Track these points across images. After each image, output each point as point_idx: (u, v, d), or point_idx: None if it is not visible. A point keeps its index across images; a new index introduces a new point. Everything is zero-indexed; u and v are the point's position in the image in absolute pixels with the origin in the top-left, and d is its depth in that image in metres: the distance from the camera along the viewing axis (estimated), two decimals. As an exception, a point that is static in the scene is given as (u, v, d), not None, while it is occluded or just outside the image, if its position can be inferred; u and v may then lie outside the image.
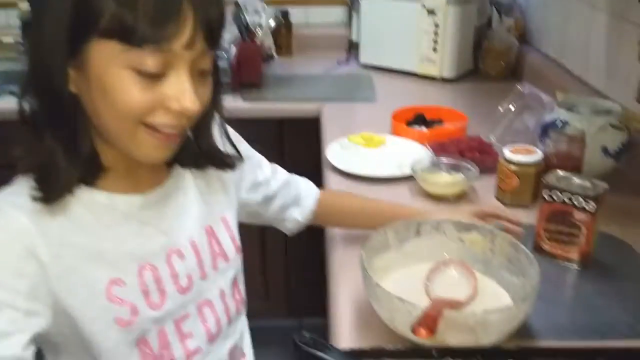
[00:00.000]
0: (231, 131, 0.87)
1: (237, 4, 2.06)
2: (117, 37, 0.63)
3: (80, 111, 0.70)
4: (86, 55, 0.65)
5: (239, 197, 0.94)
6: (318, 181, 1.45)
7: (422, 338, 0.73)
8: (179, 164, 0.82)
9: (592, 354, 0.82)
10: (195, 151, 0.81)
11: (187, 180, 0.84)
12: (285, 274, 2.05)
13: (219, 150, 0.83)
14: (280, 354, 2.20)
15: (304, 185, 1.07)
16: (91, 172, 0.72)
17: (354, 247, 0.92)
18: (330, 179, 1.37)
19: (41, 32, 0.65)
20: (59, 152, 0.68)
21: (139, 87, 0.65)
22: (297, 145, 1.89)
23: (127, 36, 0.62)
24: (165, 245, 0.78)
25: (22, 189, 0.69)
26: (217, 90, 0.76)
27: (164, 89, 0.66)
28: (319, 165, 1.52)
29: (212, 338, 0.82)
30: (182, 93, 0.66)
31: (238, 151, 0.86)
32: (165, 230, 0.78)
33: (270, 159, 1.05)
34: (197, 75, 0.69)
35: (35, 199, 0.68)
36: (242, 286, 0.92)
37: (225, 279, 0.86)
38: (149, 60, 0.64)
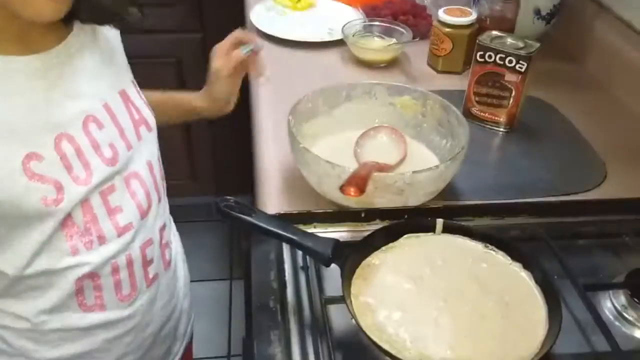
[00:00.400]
0: None
1: None
2: None
3: None
4: None
5: None
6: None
7: (351, 197, 0.72)
8: (78, 19, 0.72)
9: (513, 209, 0.84)
10: (93, 6, 0.70)
11: (90, 39, 0.74)
12: (212, 151, 1.99)
13: (119, 2, 0.72)
14: (209, 229, 2.22)
15: None
16: None
17: (282, 113, 0.87)
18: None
19: None
20: None
21: None
22: (217, 10, 1.75)
23: None
24: (79, 112, 0.70)
25: None
26: None
27: None
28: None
29: (143, 213, 0.76)
30: None
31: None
32: (75, 94, 0.70)
33: (191, 24, 0.96)
34: None
35: None
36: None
37: (151, 149, 0.80)
38: None
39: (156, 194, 0.79)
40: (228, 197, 0.68)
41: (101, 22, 0.73)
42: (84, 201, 0.69)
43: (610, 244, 0.80)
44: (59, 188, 0.66)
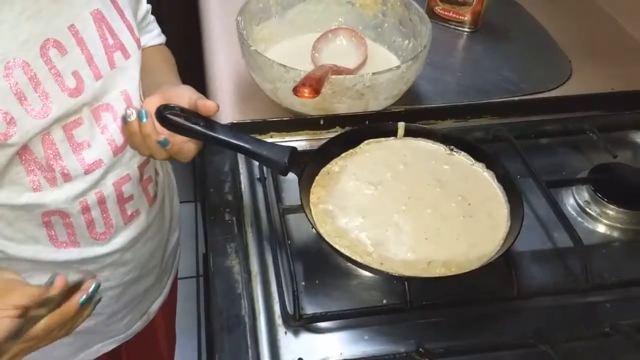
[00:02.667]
0: None
1: None
2: None
3: None
4: None
5: None
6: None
7: (305, 98, 0.67)
8: None
9: (476, 110, 0.81)
10: None
11: None
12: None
13: None
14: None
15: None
16: None
17: (233, 16, 0.80)
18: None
19: None
20: None
21: None
22: None
23: None
24: (36, 35, 0.60)
25: None
26: None
27: None
28: None
29: (116, 149, 0.69)
30: None
31: None
32: (32, 14, 0.60)
33: None
34: None
35: None
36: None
37: (128, 78, 0.70)
38: None
39: None
40: (172, 105, 0.63)
41: None
42: (44, 135, 0.62)
43: (574, 141, 0.78)
44: (9, 121, 0.59)
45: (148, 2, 0.82)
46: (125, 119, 0.65)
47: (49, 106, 0.61)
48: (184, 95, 0.65)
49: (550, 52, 0.98)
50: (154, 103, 0.66)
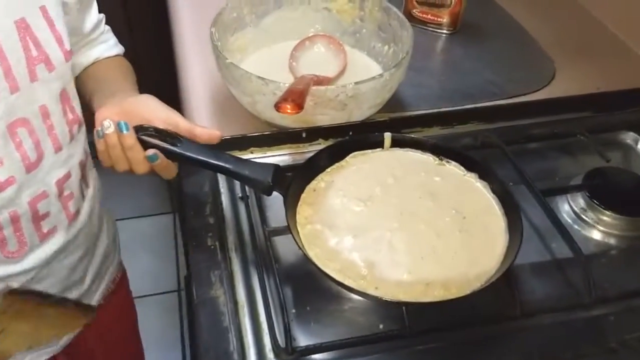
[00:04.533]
0: None
1: None
2: None
3: None
4: None
5: None
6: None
7: (289, 115, 0.64)
8: None
9: (463, 116, 0.79)
10: None
11: None
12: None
13: None
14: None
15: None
16: None
17: (206, 27, 0.76)
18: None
19: None
20: None
21: None
22: None
23: None
24: None
25: None
26: None
27: None
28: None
29: (30, 166, 0.65)
30: None
31: None
32: None
33: None
34: None
35: None
36: (75, 102, 0.72)
37: (49, 92, 0.65)
38: None
39: (52, 143, 0.67)
40: (146, 126, 0.59)
41: None
42: None
43: (564, 144, 0.76)
44: None
45: (101, 12, 0.77)
46: (99, 132, 0.60)
47: None
48: (155, 110, 0.61)
49: (532, 52, 0.96)
50: (108, 114, 0.63)
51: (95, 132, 0.63)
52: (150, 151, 0.59)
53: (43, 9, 0.64)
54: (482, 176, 0.64)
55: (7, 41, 0.60)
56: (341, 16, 0.87)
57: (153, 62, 1.56)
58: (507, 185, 0.62)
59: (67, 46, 0.66)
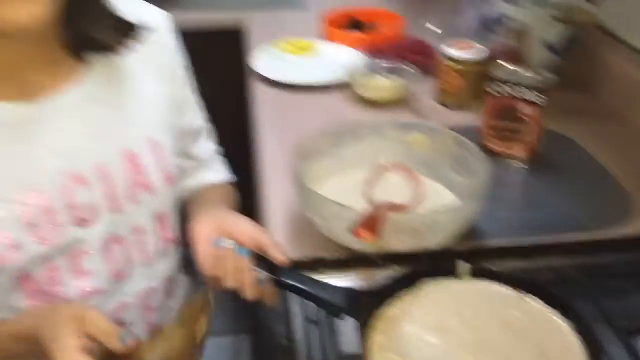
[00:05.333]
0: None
1: None
2: None
3: None
4: None
5: (174, 122, 0.77)
6: (243, 93, 1.33)
7: (364, 241, 0.65)
8: (75, 50, 0.64)
9: (543, 250, 0.77)
10: (88, 28, 0.62)
11: (101, 86, 0.67)
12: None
13: (123, 21, 0.65)
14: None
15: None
16: None
17: (287, 156, 0.82)
18: (258, 90, 1.25)
19: None
20: None
21: None
22: (218, 56, 1.73)
23: None
24: (63, 171, 0.63)
25: None
26: None
27: None
28: (241, 75, 1.39)
29: (119, 277, 0.69)
30: None
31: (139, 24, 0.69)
32: (65, 151, 0.63)
33: (190, 72, 0.91)
34: None
35: None
36: (172, 223, 0.78)
37: (147, 213, 0.72)
38: None
39: (143, 258, 0.71)
40: (225, 238, 0.62)
41: (109, 50, 0.66)
42: (47, 261, 0.62)
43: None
44: (17, 246, 0.60)
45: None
46: (217, 244, 0.64)
47: (57, 235, 0.62)
48: (246, 231, 0.64)
49: (608, 186, 0.95)
50: (206, 230, 0.66)
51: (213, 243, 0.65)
52: (263, 273, 0.61)
53: (153, 140, 0.71)
54: (564, 313, 0.61)
55: (114, 168, 0.66)
56: (416, 148, 0.90)
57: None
58: (590, 325, 0.59)
59: (170, 173, 0.73)
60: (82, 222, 0.65)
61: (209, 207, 0.77)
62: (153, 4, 1.57)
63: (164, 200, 0.73)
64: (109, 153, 0.67)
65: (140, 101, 0.72)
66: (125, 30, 0.65)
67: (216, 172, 0.89)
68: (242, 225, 0.67)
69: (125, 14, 0.66)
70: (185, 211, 0.81)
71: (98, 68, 0.66)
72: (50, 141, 0.63)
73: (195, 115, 0.85)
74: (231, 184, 0.91)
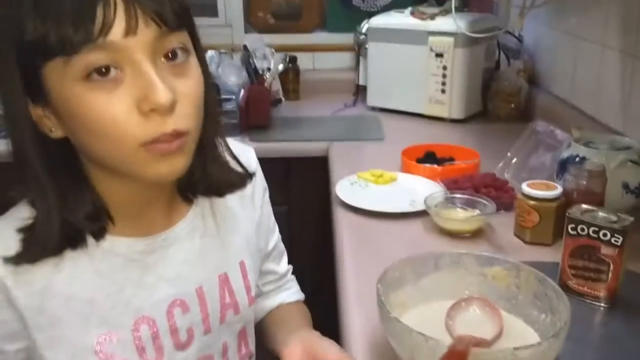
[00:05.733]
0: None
1: (245, 49, 2.08)
2: (55, 53, 0.56)
3: (74, 156, 0.64)
4: (46, 89, 0.59)
5: (258, 245, 0.86)
6: (327, 219, 1.41)
7: (450, 374, 0.67)
8: (190, 192, 0.75)
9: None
10: (205, 176, 0.74)
11: (206, 219, 0.76)
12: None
13: (231, 169, 0.76)
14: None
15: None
16: (91, 225, 0.64)
17: (367, 283, 0.87)
18: (340, 216, 1.33)
19: None
20: (45, 208, 0.61)
21: (102, 99, 0.58)
22: (304, 183, 1.85)
23: (62, 47, 0.55)
24: (169, 297, 0.70)
25: (5, 232, 0.63)
26: (208, 84, 0.66)
27: (128, 91, 0.58)
28: (326, 203, 1.48)
29: None
30: (148, 88, 0.57)
31: (245, 168, 0.78)
32: (171, 278, 0.70)
33: (278, 197, 1.01)
34: (165, 59, 0.60)
35: (18, 256, 0.61)
36: (250, 338, 0.83)
37: (232, 332, 0.78)
38: (90, 60, 0.56)
39: None
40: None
41: (212, 193, 0.76)
42: None
43: None
44: None
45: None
46: None
47: (160, 358, 0.67)
48: (334, 356, 0.68)
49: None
50: (296, 354, 0.70)
51: None
52: None
53: (242, 263, 0.79)
54: None
55: (210, 292, 0.73)
56: (497, 282, 0.93)
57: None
58: None
59: (253, 293, 0.79)
60: (181, 346, 0.70)
61: (294, 329, 0.82)
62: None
63: (246, 318, 0.79)
64: (208, 278, 0.74)
65: (232, 227, 0.80)
66: (235, 179, 0.75)
67: (292, 291, 0.95)
68: (329, 348, 0.71)
69: (234, 162, 0.76)
70: (262, 328, 0.86)
71: (200, 202, 0.76)
72: (160, 270, 0.69)
73: (274, 237, 0.92)
74: (305, 302, 0.97)
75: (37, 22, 0.55)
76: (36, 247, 0.62)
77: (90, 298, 0.65)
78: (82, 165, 0.65)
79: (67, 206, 0.62)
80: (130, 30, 0.57)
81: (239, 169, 0.77)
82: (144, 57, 0.58)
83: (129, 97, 0.58)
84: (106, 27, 0.56)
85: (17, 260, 0.61)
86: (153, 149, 0.60)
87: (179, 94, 0.60)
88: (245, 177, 0.77)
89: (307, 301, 0.96)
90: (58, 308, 0.63)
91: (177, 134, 0.61)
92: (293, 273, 1.00)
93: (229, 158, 0.75)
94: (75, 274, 0.65)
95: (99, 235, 0.65)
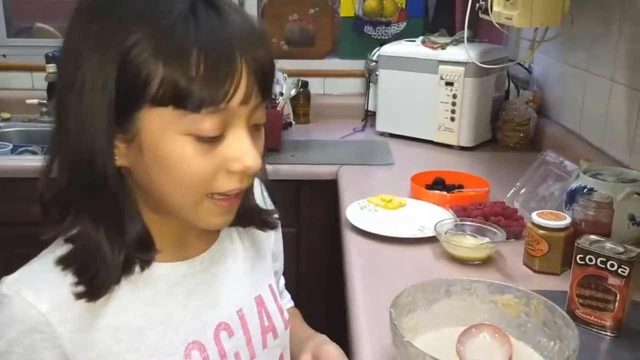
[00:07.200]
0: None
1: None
2: (172, 103, 0.57)
3: (127, 187, 0.64)
4: (137, 126, 0.59)
5: (274, 268, 0.89)
6: (335, 241, 1.44)
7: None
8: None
9: None
10: (240, 209, 0.73)
11: (235, 243, 0.78)
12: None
13: (261, 208, 0.79)
14: None
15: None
16: (142, 255, 0.64)
17: (377, 307, 0.89)
18: (350, 239, 1.35)
19: (80, 106, 0.58)
20: (103, 240, 0.60)
21: (198, 154, 0.60)
22: (313, 205, 1.88)
23: (183, 101, 0.57)
24: (213, 319, 0.71)
25: (46, 268, 0.62)
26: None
27: (224, 150, 0.61)
28: (335, 226, 1.51)
29: None
30: (244, 152, 0.61)
31: (276, 211, 0.82)
32: (212, 300, 0.71)
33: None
34: (252, 129, 0.64)
35: (78, 295, 0.60)
36: None
37: (272, 358, 0.79)
38: (208, 124, 0.58)
39: None
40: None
41: (244, 224, 0.78)
42: None
43: None
44: None
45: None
46: None
47: None
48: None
49: None
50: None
51: None
52: None
53: (270, 286, 0.81)
54: None
55: (249, 314, 0.75)
56: (507, 310, 0.95)
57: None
58: None
59: (287, 315, 0.81)
60: None
61: (301, 335, 0.86)
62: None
63: (284, 343, 0.80)
64: (246, 300, 0.75)
65: (258, 251, 0.82)
66: (268, 218, 0.78)
67: (288, 299, 1.00)
68: (332, 352, 0.75)
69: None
70: None
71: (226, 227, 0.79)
72: (201, 294, 0.70)
73: (282, 257, 0.96)
74: (314, 324, 1.00)
75: (160, 67, 0.56)
76: (100, 281, 0.61)
77: (139, 326, 0.64)
78: (134, 194, 0.65)
79: (127, 236, 0.63)
80: (247, 98, 0.60)
81: (265, 205, 0.80)
82: (244, 124, 0.62)
83: (223, 157, 0.62)
84: (232, 94, 0.59)
85: (87, 296, 0.60)
86: (219, 204, 0.64)
87: None
88: (276, 220, 0.81)
89: (316, 323, 0.98)
90: (106, 341, 0.62)
91: (240, 192, 0.65)
92: (301, 294, 1.04)
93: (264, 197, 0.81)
94: (120, 304, 0.64)
95: (147, 264, 0.66)
